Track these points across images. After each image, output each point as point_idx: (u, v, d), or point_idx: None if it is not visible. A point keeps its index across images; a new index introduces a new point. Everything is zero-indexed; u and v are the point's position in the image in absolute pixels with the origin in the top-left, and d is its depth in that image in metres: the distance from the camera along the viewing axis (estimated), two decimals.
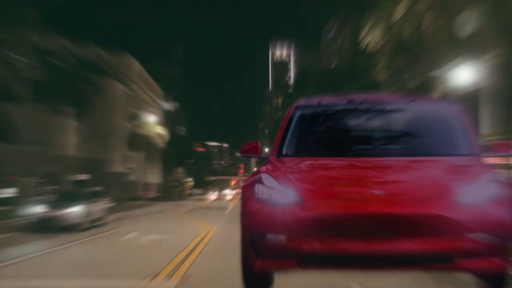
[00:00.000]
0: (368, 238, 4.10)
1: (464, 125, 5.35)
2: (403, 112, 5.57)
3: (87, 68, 31.37)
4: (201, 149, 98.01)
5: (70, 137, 42.56)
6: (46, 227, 17.63)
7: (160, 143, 55.87)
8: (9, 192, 33.40)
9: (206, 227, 18.36)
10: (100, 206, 20.53)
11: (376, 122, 5.48)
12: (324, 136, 5.57)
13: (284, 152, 5.39)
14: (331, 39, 66.57)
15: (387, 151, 5.20)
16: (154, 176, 64.11)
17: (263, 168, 4.91)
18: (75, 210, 18.22)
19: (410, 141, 5.26)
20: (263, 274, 4.78)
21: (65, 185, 35.58)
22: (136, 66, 61.98)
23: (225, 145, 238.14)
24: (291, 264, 4.33)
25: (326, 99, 5.91)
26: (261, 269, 4.50)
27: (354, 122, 5.52)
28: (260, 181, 4.58)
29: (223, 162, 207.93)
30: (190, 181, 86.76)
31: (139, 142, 51.30)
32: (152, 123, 56.48)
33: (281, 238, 4.27)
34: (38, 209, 18.53)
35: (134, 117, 54.21)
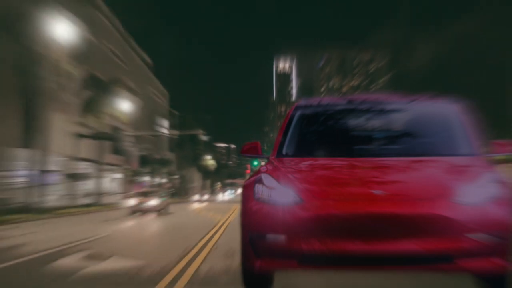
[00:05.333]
0: (368, 238, 4.08)
1: (464, 125, 5.31)
2: (403, 112, 5.55)
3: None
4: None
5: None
6: None
7: (212, 169, 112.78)
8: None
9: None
10: None
11: (376, 122, 5.46)
12: (324, 136, 5.55)
13: (284, 152, 5.38)
14: (320, 67, 79.27)
15: (387, 151, 5.17)
16: (197, 182, 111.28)
17: (263, 168, 4.90)
18: None
19: (410, 141, 5.24)
20: (263, 274, 4.77)
21: None
22: None
23: (233, 146, 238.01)
24: (291, 264, 4.30)
25: (326, 99, 5.90)
26: (261, 269, 4.48)
27: (354, 122, 5.50)
28: (260, 181, 4.56)
29: (230, 162, 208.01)
30: (219, 184, 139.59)
31: (202, 168, 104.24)
32: (209, 159, 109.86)
33: (281, 238, 4.25)
34: None
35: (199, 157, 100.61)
